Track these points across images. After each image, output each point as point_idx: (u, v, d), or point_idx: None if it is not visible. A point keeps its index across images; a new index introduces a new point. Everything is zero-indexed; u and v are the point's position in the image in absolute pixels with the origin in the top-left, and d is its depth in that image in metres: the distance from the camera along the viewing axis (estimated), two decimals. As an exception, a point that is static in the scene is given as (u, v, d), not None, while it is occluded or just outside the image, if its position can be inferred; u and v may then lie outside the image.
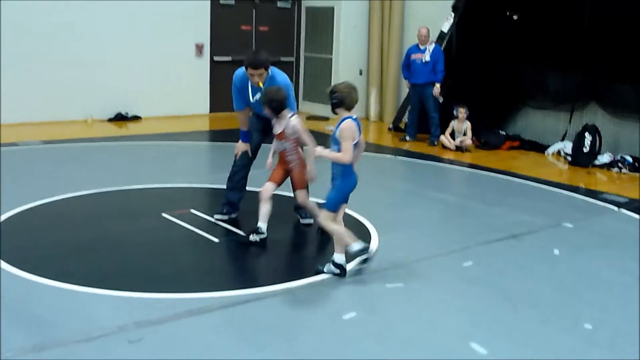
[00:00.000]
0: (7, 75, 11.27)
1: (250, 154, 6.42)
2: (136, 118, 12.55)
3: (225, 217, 6.39)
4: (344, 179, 4.87)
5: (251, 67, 5.86)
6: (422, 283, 5.05)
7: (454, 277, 5.20)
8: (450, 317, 4.44)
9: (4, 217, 6.21)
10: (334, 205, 4.94)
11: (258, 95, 6.12)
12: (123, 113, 12.46)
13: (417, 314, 4.47)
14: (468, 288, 4.98)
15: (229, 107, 14.08)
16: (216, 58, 13.60)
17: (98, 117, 12.26)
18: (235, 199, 6.47)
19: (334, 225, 4.97)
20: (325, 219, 4.97)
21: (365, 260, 5.16)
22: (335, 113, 4.89)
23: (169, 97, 12.92)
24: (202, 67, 13.39)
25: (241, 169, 6.47)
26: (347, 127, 4.74)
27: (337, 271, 5.01)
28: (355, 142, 4.78)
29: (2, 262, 5.06)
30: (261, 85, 5.99)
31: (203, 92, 13.50)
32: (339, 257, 5.04)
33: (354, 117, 4.83)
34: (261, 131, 6.43)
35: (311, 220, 6.41)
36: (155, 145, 10.19)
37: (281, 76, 6.07)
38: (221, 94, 13.77)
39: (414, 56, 11.32)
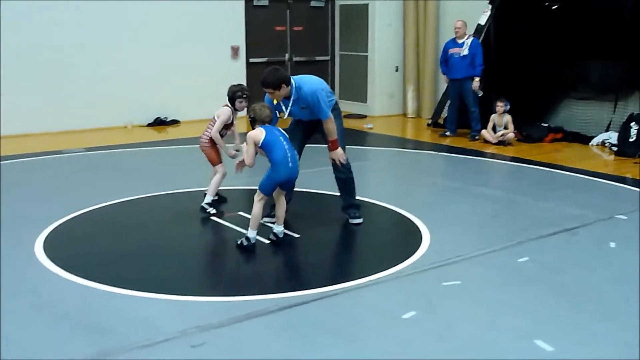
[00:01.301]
0: (49, 86, 11.42)
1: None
2: (175, 122, 12.64)
3: (274, 220, 6.38)
4: (273, 169, 5.57)
5: (261, 85, 5.90)
6: (478, 280, 4.99)
7: (510, 273, 5.13)
8: (510, 315, 4.37)
9: (55, 224, 6.29)
10: (263, 189, 5.62)
11: (288, 109, 6.07)
12: (162, 118, 12.55)
13: (476, 313, 4.40)
14: (526, 284, 4.90)
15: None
16: (252, 60, 13.63)
17: (137, 123, 12.37)
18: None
19: (257, 206, 5.59)
20: (257, 196, 5.63)
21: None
22: (253, 128, 5.68)
23: (207, 100, 12.93)
24: (239, 70, 13.42)
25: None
26: (249, 134, 5.60)
27: (246, 243, 5.54)
28: (260, 145, 5.55)
29: (59, 268, 5.12)
30: (275, 101, 6.01)
31: (240, 94, 13.50)
32: (251, 232, 5.58)
33: (270, 126, 5.65)
34: (303, 131, 6.43)
35: (360, 220, 6.40)
36: (196, 148, 10.22)
37: (308, 85, 6.02)
38: (258, 95, 13.80)
39: (451, 51, 11.23)
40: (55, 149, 10.07)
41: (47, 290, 4.74)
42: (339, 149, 6.26)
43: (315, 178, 7.95)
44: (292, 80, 6.02)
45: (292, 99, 6.00)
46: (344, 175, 6.42)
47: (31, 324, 4.19)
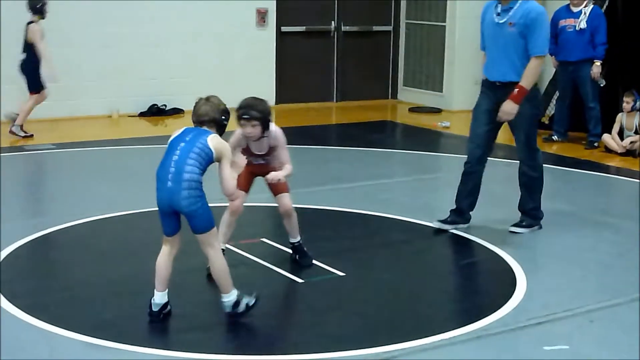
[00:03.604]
0: (6, 58, 11.58)
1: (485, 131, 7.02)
2: (177, 111, 12.76)
3: (447, 227, 7.00)
4: None
5: None
6: (595, 345, 4.96)
7: (641, 336, 5.09)
8: (640, 395, 4.33)
9: (9, 248, 6.38)
10: None
11: (504, 17, 6.67)
12: (159, 105, 12.68)
13: (592, 390, 4.38)
14: (662, 353, 4.86)
15: (302, 95, 14.25)
16: (284, 29, 13.73)
17: (126, 111, 12.52)
18: (463, 204, 7.07)
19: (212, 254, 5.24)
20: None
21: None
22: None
23: (221, 82, 12.98)
24: (266, 42, 13.52)
25: (475, 150, 7.11)
26: None
27: (243, 308, 5.19)
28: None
29: (16, 309, 5.20)
30: (505, 2, 6.68)
31: (267, 75, 13.63)
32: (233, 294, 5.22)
33: (195, 127, 5.31)
34: (492, 112, 6.85)
35: (521, 231, 7.00)
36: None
37: (536, 4, 6.69)
38: (291, 77, 13.90)
39: (563, 22, 11.16)
40: (14, 144, 10.24)
41: (2, 340, 4.82)
42: (516, 107, 6.64)
43: (364, 194, 8.00)
44: None
45: (513, 10, 6.60)
46: (530, 173, 7.04)
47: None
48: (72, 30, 11.98)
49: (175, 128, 5.30)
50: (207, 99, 5.37)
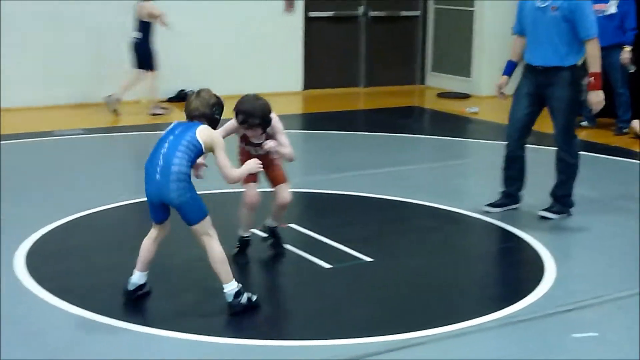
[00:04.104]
0: (36, 44, 11.66)
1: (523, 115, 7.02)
2: (205, 97, 12.77)
3: (497, 210, 7.14)
4: None
5: None
6: (623, 332, 4.93)
7: (670, 324, 5.05)
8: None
9: (42, 231, 6.45)
10: None
11: (547, 1, 6.69)
12: (187, 91, 12.70)
13: (620, 378, 4.36)
14: (692, 341, 4.82)
15: (329, 81, 14.23)
16: (312, 14, 13.71)
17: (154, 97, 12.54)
18: (511, 189, 7.18)
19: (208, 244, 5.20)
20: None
21: None
22: None
23: (248, 68, 13.08)
24: (294, 27, 13.50)
25: (514, 132, 7.10)
26: None
27: (245, 301, 5.10)
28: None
29: (45, 291, 5.27)
30: None
31: (294, 61, 13.63)
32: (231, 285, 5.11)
33: (185, 121, 5.24)
34: (533, 96, 6.92)
35: (554, 217, 7.01)
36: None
37: None
38: (319, 63, 13.89)
39: (593, 7, 11.06)
40: (43, 129, 10.31)
41: (28, 321, 4.88)
42: (601, 93, 6.82)
43: (392, 180, 7.99)
44: None
45: None
46: (567, 159, 7.06)
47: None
48: (101, 19, 12.02)
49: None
50: (198, 93, 5.32)
